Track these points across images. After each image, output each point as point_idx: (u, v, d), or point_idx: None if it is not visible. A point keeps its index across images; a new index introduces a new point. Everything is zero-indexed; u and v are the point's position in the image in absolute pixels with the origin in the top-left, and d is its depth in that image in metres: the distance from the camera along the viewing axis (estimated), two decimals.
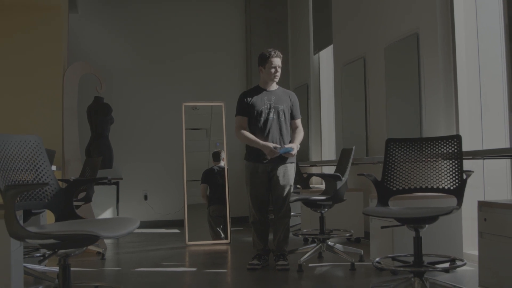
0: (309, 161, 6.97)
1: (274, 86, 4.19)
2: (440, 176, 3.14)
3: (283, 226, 4.05)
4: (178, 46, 7.86)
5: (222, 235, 5.75)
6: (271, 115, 4.05)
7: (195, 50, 7.90)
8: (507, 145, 3.62)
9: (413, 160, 3.26)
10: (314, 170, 6.84)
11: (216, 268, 4.37)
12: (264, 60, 4.09)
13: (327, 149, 6.96)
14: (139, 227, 2.42)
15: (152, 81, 7.73)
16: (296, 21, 7.87)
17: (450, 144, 3.13)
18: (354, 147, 4.41)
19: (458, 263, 3.37)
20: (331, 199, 4.17)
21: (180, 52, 7.85)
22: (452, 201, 3.11)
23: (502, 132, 3.77)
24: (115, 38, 7.72)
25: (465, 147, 3.34)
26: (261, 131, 4.04)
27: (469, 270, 3.65)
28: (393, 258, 3.42)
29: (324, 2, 6.73)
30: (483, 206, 2.88)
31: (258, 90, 4.16)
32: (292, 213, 4.55)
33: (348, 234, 4.97)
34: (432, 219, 2.90)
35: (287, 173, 4.05)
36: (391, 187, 3.24)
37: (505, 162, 3.74)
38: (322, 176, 4.84)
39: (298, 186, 5.79)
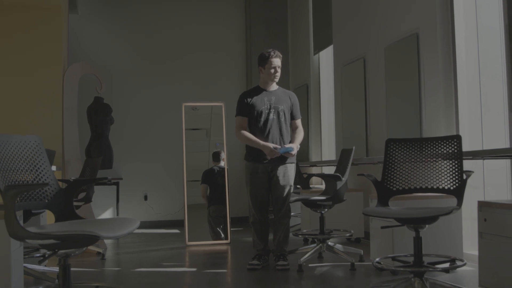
0: (309, 161, 6.97)
1: (274, 86, 4.19)
2: (440, 176, 3.15)
3: (283, 226, 4.05)
4: (178, 46, 7.86)
5: (222, 235, 5.75)
6: (271, 116, 4.05)
7: (195, 50, 7.90)
8: (507, 145, 3.61)
9: (413, 160, 3.26)
10: (314, 170, 6.84)
11: (216, 268, 4.36)
12: (264, 60, 4.09)
13: (327, 149, 6.96)
14: (139, 227, 2.42)
15: (152, 81, 7.73)
16: (296, 21, 7.87)
17: (450, 144, 3.13)
18: (354, 147, 4.42)
19: (458, 263, 3.37)
20: (331, 199, 4.17)
21: (180, 52, 7.85)
22: (452, 201, 3.11)
23: (502, 132, 3.77)
24: (115, 38, 7.72)
25: (465, 147, 3.34)
26: (261, 131, 4.04)
27: (469, 270, 3.64)
28: (393, 258, 3.42)
29: (324, 2, 6.73)
30: (483, 206, 2.88)
31: (258, 90, 4.16)
32: (292, 213, 4.55)
33: (348, 234, 4.97)
34: (432, 219, 2.90)
35: (287, 173, 4.05)
36: (391, 187, 3.24)
37: (505, 162, 3.74)
38: (322, 176, 4.83)
39: (298, 186, 5.79)
